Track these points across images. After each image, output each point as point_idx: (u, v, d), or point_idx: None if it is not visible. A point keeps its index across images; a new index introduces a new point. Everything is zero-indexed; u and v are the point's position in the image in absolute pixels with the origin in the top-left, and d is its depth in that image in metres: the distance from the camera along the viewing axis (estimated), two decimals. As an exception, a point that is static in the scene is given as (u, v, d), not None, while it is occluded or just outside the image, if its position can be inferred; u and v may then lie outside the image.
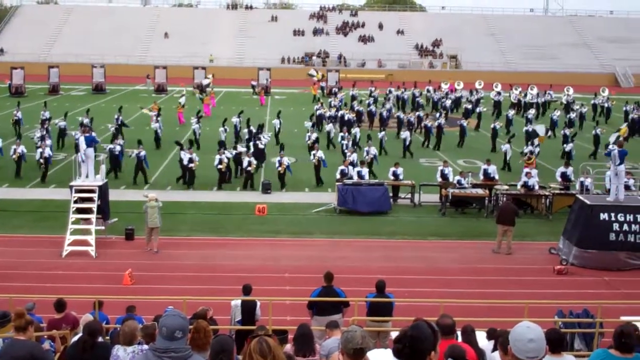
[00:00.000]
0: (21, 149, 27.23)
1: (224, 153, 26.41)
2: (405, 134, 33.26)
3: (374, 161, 27.94)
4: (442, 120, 36.94)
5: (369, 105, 43.91)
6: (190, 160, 25.97)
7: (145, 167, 26.62)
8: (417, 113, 40.01)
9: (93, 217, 19.43)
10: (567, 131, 34.09)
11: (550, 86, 54.52)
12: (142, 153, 26.66)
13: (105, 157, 24.00)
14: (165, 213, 20.33)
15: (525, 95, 51.29)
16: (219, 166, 26.14)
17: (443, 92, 53.82)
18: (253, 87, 60.77)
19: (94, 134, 24.78)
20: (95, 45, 78.00)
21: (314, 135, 31.69)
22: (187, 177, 26.31)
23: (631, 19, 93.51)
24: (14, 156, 27.09)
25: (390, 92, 52.27)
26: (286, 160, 26.50)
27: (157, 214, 18.94)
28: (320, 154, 26.72)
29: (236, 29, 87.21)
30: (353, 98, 47.37)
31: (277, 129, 35.37)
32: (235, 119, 34.88)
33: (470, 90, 53.56)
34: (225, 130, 32.69)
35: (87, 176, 20.54)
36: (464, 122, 36.56)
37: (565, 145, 31.38)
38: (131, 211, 21.78)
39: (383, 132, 33.37)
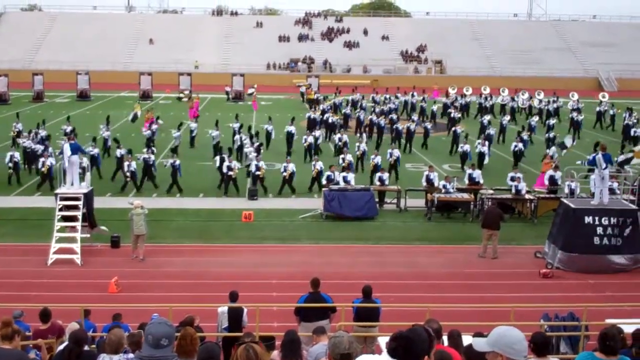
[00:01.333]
0: (16, 156, 27.05)
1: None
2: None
3: (397, 163, 28.61)
4: (429, 125, 37.40)
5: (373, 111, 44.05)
6: (229, 168, 25.99)
7: (176, 176, 26.53)
8: (390, 116, 40.24)
9: (78, 224, 19.33)
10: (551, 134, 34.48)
11: (554, 93, 54.21)
12: (177, 162, 26.69)
13: (89, 165, 23.80)
14: (151, 220, 20.27)
15: (541, 101, 51.12)
16: (230, 172, 25.99)
17: (452, 97, 53.60)
18: (227, 93, 60.77)
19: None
20: (79, 52, 77.69)
21: (310, 138, 32.33)
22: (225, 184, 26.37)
23: (614, 23, 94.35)
24: (10, 163, 26.80)
25: (397, 97, 52.43)
26: (292, 166, 26.56)
27: (143, 221, 18.88)
28: (319, 165, 26.52)
29: (221, 35, 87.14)
30: (353, 103, 48.10)
31: (267, 134, 35.25)
32: (235, 125, 35.03)
33: (456, 96, 53.65)
34: (214, 134, 33.04)
35: (72, 184, 20.45)
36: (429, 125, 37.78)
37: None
38: (117, 219, 21.70)
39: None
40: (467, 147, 31.15)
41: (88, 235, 19.86)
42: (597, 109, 47.40)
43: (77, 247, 18.84)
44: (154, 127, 35.03)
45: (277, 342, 10.02)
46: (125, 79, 70.18)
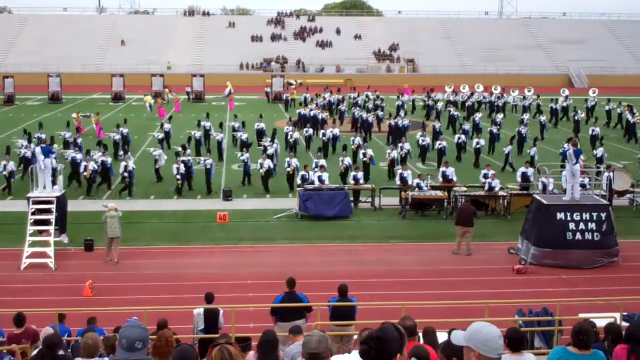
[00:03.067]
0: (11, 165, 26.39)
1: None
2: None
3: (408, 156, 29.87)
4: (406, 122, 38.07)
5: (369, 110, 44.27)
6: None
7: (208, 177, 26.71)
8: (377, 113, 40.60)
9: (51, 228, 19.16)
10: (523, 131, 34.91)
11: (569, 95, 54.33)
12: (209, 161, 26.81)
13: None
14: (125, 223, 20.15)
15: (538, 97, 50.89)
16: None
17: (466, 94, 53.99)
18: (188, 94, 60.55)
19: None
20: (51, 54, 76.88)
21: (296, 135, 33.08)
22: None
23: (584, 20, 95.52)
24: (4, 172, 26.16)
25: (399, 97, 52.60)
26: (295, 162, 26.73)
27: (117, 223, 18.75)
28: (295, 162, 26.72)
29: (194, 35, 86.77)
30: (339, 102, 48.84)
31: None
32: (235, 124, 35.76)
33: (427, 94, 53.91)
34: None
35: (44, 187, 20.27)
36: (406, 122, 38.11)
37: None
38: (91, 222, 21.56)
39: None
40: (444, 144, 31.59)
41: (61, 239, 19.67)
42: (586, 105, 47.56)
43: (50, 251, 18.67)
44: (167, 126, 34.96)
45: (254, 343, 10.01)
46: (97, 81, 69.65)
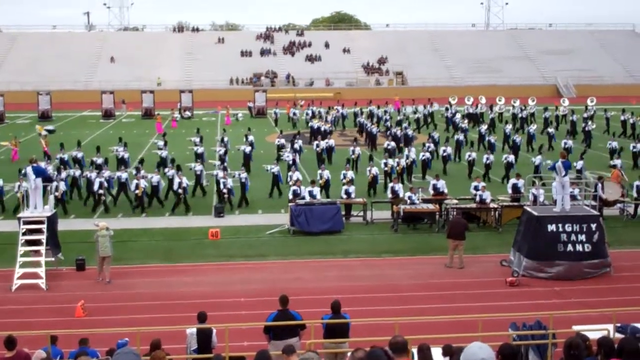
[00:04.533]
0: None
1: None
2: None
3: (413, 165, 30.81)
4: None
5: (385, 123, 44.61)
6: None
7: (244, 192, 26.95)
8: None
9: (42, 248, 19.05)
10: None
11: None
12: (244, 175, 26.94)
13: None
14: (116, 241, 20.08)
15: (522, 109, 50.81)
16: (136, 191, 26.05)
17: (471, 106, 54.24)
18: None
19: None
20: (40, 72, 76.85)
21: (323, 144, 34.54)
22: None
23: (570, 30, 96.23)
24: (18, 194, 25.49)
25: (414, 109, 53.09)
26: (327, 174, 27.01)
27: (108, 242, 18.67)
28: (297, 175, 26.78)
29: (183, 51, 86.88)
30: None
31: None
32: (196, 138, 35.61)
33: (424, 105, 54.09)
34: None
35: (35, 207, 20.18)
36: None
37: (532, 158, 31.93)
38: (82, 241, 21.48)
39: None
40: (428, 155, 31.95)
41: (53, 259, 19.58)
42: (585, 114, 47.30)
43: (41, 271, 18.55)
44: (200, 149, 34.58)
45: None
46: (87, 98, 69.63)
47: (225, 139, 36.68)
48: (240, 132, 42.64)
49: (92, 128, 52.34)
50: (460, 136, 37.63)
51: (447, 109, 51.31)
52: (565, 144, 35.22)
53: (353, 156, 32.53)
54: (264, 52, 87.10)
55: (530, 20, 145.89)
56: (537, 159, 30.42)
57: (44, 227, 19.27)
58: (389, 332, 11.63)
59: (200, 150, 33.58)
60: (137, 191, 26.04)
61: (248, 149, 33.71)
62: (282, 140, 36.62)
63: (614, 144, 34.90)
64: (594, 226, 19.00)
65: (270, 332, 12.10)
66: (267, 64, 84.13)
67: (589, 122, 42.86)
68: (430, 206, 24.11)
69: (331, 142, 36.05)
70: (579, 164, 28.65)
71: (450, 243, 19.80)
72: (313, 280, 18.75)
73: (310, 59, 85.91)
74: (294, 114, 51.69)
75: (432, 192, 25.54)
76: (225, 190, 26.35)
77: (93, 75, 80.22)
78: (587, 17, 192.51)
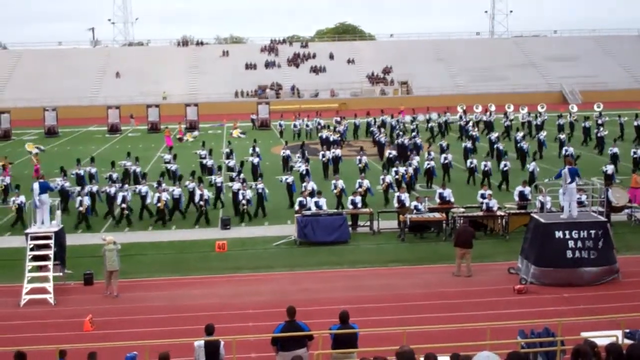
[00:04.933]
0: (21, 199, 26.19)
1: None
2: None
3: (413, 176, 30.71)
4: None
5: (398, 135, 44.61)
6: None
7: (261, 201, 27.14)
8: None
9: (50, 264, 19.10)
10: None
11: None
12: (260, 185, 27.19)
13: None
14: (123, 255, 20.13)
15: (537, 116, 50.70)
16: (158, 204, 26.16)
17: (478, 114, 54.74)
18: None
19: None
20: (46, 88, 77.29)
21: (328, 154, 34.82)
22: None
23: (574, 37, 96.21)
24: (12, 207, 26.12)
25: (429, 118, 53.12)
26: (341, 184, 27.16)
27: (116, 256, 18.72)
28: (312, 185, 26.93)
29: (188, 65, 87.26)
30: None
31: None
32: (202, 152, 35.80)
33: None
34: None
35: (42, 222, 20.27)
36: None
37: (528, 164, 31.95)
38: (89, 255, 21.54)
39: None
40: (432, 164, 32.11)
41: (61, 274, 19.64)
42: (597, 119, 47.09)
43: (49, 286, 18.59)
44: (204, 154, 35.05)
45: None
46: (92, 113, 69.98)
47: (229, 150, 36.75)
48: (245, 144, 42.78)
49: (99, 143, 52.55)
50: (468, 143, 37.56)
51: (461, 117, 51.46)
52: (566, 150, 35.02)
53: (360, 165, 32.66)
54: (268, 65, 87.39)
55: (534, 28, 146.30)
56: (531, 165, 30.50)
57: (51, 242, 19.33)
58: (397, 341, 11.63)
59: (209, 163, 33.69)
60: (159, 204, 26.13)
61: (256, 160, 33.87)
62: (288, 152, 36.81)
63: (615, 150, 34.67)
64: (601, 232, 18.94)
65: (278, 343, 12.08)
66: (271, 76, 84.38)
67: (601, 128, 42.76)
68: (437, 215, 24.09)
69: (337, 152, 36.09)
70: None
71: (458, 251, 19.76)
72: (320, 291, 18.73)
73: (315, 70, 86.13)
74: (296, 125, 51.78)
75: (438, 200, 25.50)
76: (244, 202, 26.47)
77: (99, 90, 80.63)
78: (591, 23, 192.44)
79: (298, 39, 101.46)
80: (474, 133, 42.23)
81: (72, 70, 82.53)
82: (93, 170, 31.42)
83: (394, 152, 35.54)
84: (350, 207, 25.08)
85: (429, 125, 50.73)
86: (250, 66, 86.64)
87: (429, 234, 24.06)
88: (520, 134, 39.87)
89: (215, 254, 22.61)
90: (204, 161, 34.23)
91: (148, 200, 26.79)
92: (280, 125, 53.46)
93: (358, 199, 25.31)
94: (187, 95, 76.11)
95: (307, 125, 52.48)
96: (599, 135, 41.50)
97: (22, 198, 26.00)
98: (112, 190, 27.35)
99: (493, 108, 55.58)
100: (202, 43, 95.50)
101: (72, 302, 18.55)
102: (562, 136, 41.10)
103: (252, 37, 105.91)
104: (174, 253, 22.93)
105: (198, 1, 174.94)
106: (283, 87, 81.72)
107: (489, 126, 49.79)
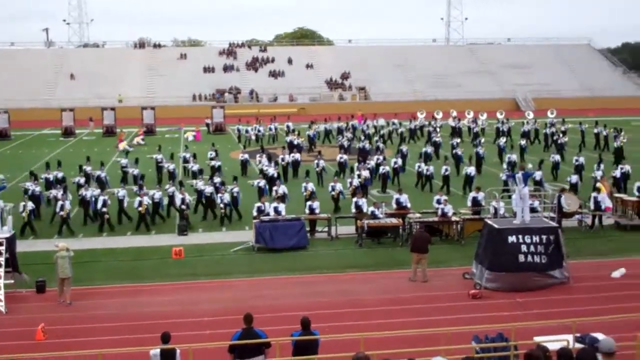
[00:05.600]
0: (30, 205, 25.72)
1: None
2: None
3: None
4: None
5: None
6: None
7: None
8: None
9: (1, 270, 18.70)
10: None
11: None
12: (236, 189, 27.26)
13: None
14: (77, 262, 19.83)
15: (503, 122, 51.32)
16: (139, 208, 25.94)
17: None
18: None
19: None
20: (-3, 89, 75.77)
21: (288, 158, 35.29)
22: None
23: (527, 45, 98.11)
24: (23, 213, 25.35)
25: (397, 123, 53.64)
26: (339, 186, 27.73)
27: (68, 263, 18.38)
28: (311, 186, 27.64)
29: (145, 67, 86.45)
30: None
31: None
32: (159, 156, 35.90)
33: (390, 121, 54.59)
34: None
35: (-7, 228, 19.85)
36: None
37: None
38: (42, 262, 21.15)
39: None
40: (387, 168, 32.78)
41: (12, 281, 19.24)
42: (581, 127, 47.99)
43: (0, 294, 18.20)
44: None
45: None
46: (46, 116, 68.88)
47: (188, 155, 36.64)
48: (204, 148, 42.52)
49: (52, 146, 51.71)
50: (428, 148, 38.27)
51: (429, 123, 52.31)
52: (509, 157, 35.25)
53: (317, 169, 32.81)
54: (227, 68, 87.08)
55: (489, 36, 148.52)
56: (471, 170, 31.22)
57: (2, 248, 18.94)
58: (354, 347, 11.70)
59: (194, 167, 33.77)
60: (140, 208, 25.90)
61: (218, 163, 33.80)
62: (246, 156, 36.84)
63: (581, 160, 34.51)
64: (552, 238, 19.31)
65: (235, 351, 12.04)
66: (230, 79, 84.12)
67: (561, 135, 43.60)
68: (394, 220, 24.28)
69: (297, 155, 36.47)
70: (538, 175, 29.17)
71: (414, 257, 19.94)
72: (278, 297, 18.70)
73: (274, 74, 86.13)
74: (259, 130, 51.74)
75: (395, 206, 25.72)
76: (222, 205, 26.44)
77: (52, 92, 79.37)
78: (545, 32, 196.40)
79: (257, 43, 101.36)
80: (437, 139, 42.86)
81: (25, 72, 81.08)
82: (60, 174, 31.02)
83: (345, 157, 36.10)
84: (307, 212, 25.12)
85: (400, 130, 51.22)
86: (208, 69, 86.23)
87: (386, 240, 24.23)
88: (482, 139, 40.89)
89: (172, 260, 22.41)
90: (189, 165, 34.53)
91: (125, 205, 26.76)
92: (239, 130, 53.28)
93: (316, 204, 25.36)
94: (144, 99, 75.46)
95: (270, 129, 52.42)
96: (559, 142, 42.29)
97: None
98: (88, 193, 27.03)
99: (454, 114, 56.35)
100: (159, 45, 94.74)
101: (24, 310, 18.18)
102: (523, 142, 41.87)
103: (210, 40, 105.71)
104: (129, 260, 22.65)
105: (155, 3, 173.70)
106: (241, 91, 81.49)
107: (459, 132, 50.57)
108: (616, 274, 20.05)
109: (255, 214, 24.52)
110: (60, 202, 25.76)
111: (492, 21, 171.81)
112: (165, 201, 27.48)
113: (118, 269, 21.71)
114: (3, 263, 18.79)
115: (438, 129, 48.45)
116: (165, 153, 37.31)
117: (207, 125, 60.72)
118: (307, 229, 24.60)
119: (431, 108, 62.61)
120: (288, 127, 50.85)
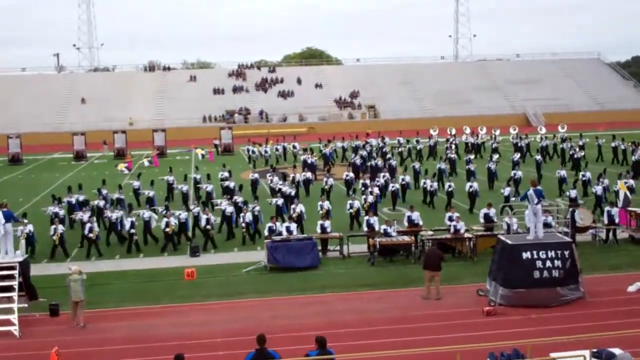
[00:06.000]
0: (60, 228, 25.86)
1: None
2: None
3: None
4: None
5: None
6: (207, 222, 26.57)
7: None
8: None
9: (15, 294, 18.73)
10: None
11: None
12: (257, 208, 27.57)
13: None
14: (90, 285, 19.85)
15: (522, 138, 51.26)
16: (167, 229, 26.09)
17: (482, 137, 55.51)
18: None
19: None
20: (10, 114, 76.48)
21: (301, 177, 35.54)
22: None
23: (536, 60, 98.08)
24: (54, 236, 25.49)
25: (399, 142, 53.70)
26: (327, 205, 27.66)
27: (81, 286, 18.41)
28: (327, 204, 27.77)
29: (155, 90, 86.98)
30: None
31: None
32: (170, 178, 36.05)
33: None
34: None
35: (6, 252, 19.91)
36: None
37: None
38: (55, 285, 21.18)
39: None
40: (397, 186, 32.90)
41: (26, 305, 19.26)
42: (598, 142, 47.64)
43: (14, 318, 18.22)
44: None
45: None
46: (57, 140, 69.30)
47: (199, 176, 36.73)
48: (214, 169, 42.62)
49: (64, 170, 52.00)
50: (442, 165, 38.28)
51: (447, 140, 52.35)
52: (515, 174, 35.33)
53: (326, 187, 33.02)
54: (236, 89, 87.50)
55: (497, 52, 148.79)
56: (506, 190, 30.77)
57: (15, 272, 18.99)
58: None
59: (209, 188, 33.77)
60: (167, 229, 26.01)
61: (232, 184, 33.96)
62: (256, 175, 36.95)
63: (562, 172, 34.96)
64: (567, 253, 19.17)
65: (249, 371, 11.97)
66: (239, 100, 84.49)
67: (577, 150, 43.54)
68: (406, 238, 24.20)
69: (308, 174, 36.76)
70: (573, 193, 29.65)
71: (427, 274, 19.83)
72: (290, 317, 18.63)
73: (283, 94, 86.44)
74: (265, 151, 51.89)
75: (406, 224, 25.64)
76: (243, 225, 26.63)
77: (64, 116, 79.92)
78: (553, 47, 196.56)
79: (266, 64, 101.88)
80: (452, 156, 42.89)
81: (36, 97, 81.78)
82: (81, 197, 31.39)
83: (351, 174, 36.27)
84: (319, 231, 25.08)
85: (419, 147, 51.20)
86: (218, 91, 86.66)
87: (399, 258, 24.13)
88: (496, 156, 40.87)
89: (184, 282, 22.39)
90: (202, 186, 34.55)
91: (154, 225, 27.09)
92: (248, 150, 53.38)
93: (327, 223, 25.34)
94: (154, 121, 75.81)
95: (276, 150, 52.55)
96: (575, 157, 42.15)
97: None
98: (114, 216, 27.39)
99: (468, 131, 56.26)
100: (169, 68, 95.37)
101: (37, 333, 18.19)
102: (539, 157, 41.74)
103: (219, 62, 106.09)
104: (141, 282, 22.65)
105: (164, 26, 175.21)
106: (251, 112, 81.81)
107: (474, 149, 50.65)
108: (632, 288, 19.88)
109: (267, 234, 24.50)
110: (88, 225, 26.00)
111: (501, 37, 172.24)
112: (191, 222, 27.57)
113: (131, 291, 21.71)
114: (17, 287, 18.83)
115: (453, 146, 48.36)
116: (177, 175, 37.39)
117: (216, 146, 60.95)
118: (319, 247, 24.54)
119: (440, 125, 62.57)
120: (294, 146, 50.96)
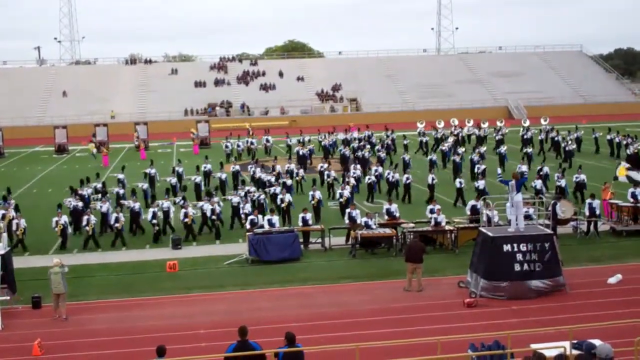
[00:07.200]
0: (63, 219, 25.75)
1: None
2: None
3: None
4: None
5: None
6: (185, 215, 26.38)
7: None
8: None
9: (-4, 287, 18.63)
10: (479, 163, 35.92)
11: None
12: (262, 197, 28.20)
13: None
14: (73, 277, 19.79)
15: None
16: (186, 219, 26.27)
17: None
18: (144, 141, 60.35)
19: None
20: (-10, 108, 75.65)
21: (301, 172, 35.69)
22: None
23: (519, 53, 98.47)
24: (87, 227, 25.61)
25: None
26: (318, 194, 28.21)
27: (62, 279, 18.30)
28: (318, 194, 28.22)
29: (136, 83, 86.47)
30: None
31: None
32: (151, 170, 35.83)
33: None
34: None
35: (-12, 246, 19.78)
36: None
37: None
38: (37, 278, 21.07)
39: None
40: (373, 179, 33.14)
41: (8, 298, 19.14)
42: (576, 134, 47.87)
43: (-4, 310, 18.13)
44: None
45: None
46: (39, 134, 68.77)
47: (181, 169, 36.48)
48: (196, 161, 42.48)
49: (46, 163, 51.61)
50: (434, 156, 38.55)
51: (451, 133, 52.62)
52: (520, 167, 35.22)
53: (329, 179, 34.07)
54: (218, 82, 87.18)
55: (480, 45, 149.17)
56: (481, 183, 30.90)
57: (-3, 265, 18.86)
58: (349, 358, 11.68)
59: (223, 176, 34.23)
60: (186, 219, 26.22)
61: (224, 175, 34.27)
62: (238, 167, 37.09)
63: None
64: (548, 245, 19.33)
65: (230, 363, 11.98)
66: (221, 94, 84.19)
67: (569, 142, 43.78)
68: (387, 230, 24.29)
69: (292, 166, 36.83)
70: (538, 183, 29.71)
71: (409, 266, 19.93)
72: (272, 309, 18.67)
73: (265, 87, 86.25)
74: (252, 143, 51.75)
75: (386, 216, 25.74)
76: (243, 216, 26.71)
77: (45, 110, 79.27)
78: (535, 40, 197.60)
79: (247, 57, 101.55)
80: (443, 148, 43.18)
81: (17, 90, 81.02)
82: (99, 185, 31.69)
83: (325, 165, 36.79)
84: (301, 224, 25.11)
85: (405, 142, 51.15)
86: (199, 84, 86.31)
87: (380, 250, 24.23)
88: (483, 148, 41.19)
89: (166, 274, 22.37)
90: (192, 177, 34.51)
91: (171, 215, 27.55)
92: (230, 144, 52.93)
93: (309, 215, 25.38)
94: (136, 114, 75.41)
95: (251, 143, 52.16)
96: (567, 149, 42.41)
97: None
98: (137, 205, 27.52)
99: (456, 122, 56.45)
100: (150, 61, 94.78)
101: (20, 326, 18.10)
102: (530, 150, 42.04)
103: (201, 55, 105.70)
104: (123, 274, 22.60)
105: (145, 19, 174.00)
106: (233, 105, 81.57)
107: (480, 140, 50.80)
108: (612, 280, 20.10)
109: (248, 226, 24.51)
110: (114, 215, 26.30)
111: (483, 30, 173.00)
112: (198, 213, 27.71)
113: (113, 283, 21.65)
114: (-1, 280, 18.71)
115: (451, 138, 48.53)
116: (158, 168, 37.17)
117: (193, 139, 60.67)
118: (301, 240, 24.58)
119: (422, 118, 62.63)
120: (267, 140, 51.32)
